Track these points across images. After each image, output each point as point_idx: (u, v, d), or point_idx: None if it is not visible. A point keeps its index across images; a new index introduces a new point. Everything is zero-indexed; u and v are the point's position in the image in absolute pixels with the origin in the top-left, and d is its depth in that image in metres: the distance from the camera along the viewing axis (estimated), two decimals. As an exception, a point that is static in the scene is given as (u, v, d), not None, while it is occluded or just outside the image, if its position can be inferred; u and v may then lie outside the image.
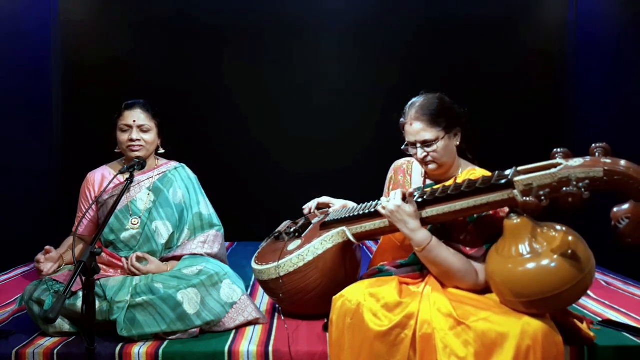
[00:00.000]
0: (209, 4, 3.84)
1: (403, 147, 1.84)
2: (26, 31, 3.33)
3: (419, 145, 1.76)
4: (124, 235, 2.09)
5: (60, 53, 3.71)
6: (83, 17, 3.81)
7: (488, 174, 1.77)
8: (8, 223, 3.06)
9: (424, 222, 1.63)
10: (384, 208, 1.66)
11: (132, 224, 2.10)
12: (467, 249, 1.64)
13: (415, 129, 1.76)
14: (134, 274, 1.98)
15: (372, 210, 1.76)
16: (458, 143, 1.81)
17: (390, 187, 2.03)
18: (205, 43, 3.86)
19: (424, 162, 1.79)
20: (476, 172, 1.78)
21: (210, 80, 3.88)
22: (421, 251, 1.59)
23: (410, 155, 1.86)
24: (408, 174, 2.00)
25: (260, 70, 3.90)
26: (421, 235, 1.59)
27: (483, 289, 1.61)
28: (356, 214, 1.83)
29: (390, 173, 2.06)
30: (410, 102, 1.85)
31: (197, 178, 2.33)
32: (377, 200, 1.80)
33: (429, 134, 1.74)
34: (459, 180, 1.74)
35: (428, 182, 1.91)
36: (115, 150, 2.19)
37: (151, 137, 2.14)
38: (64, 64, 3.74)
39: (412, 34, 3.85)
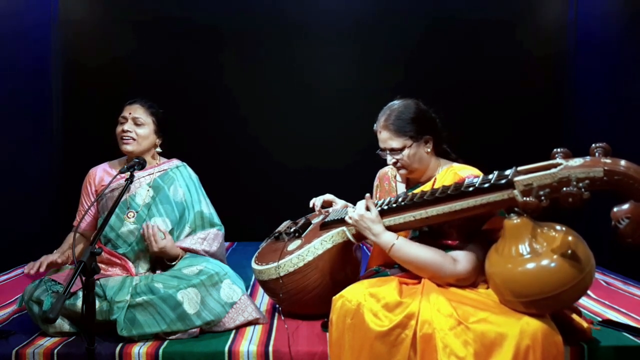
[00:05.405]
0: (209, 4, 3.84)
1: (378, 151, 1.88)
2: (26, 31, 3.33)
3: (387, 152, 1.82)
4: (122, 230, 2.08)
5: (60, 53, 3.72)
6: (83, 17, 3.82)
7: (466, 167, 1.79)
8: (8, 223, 3.06)
9: (425, 222, 1.64)
10: (350, 218, 1.74)
11: (128, 217, 2.10)
12: (449, 241, 1.66)
13: (383, 137, 1.83)
14: (149, 243, 1.98)
15: None
16: (429, 150, 1.82)
17: (377, 195, 2.05)
18: (206, 43, 3.87)
19: (395, 166, 1.85)
20: (454, 169, 1.80)
21: (211, 80, 3.89)
22: (389, 251, 1.65)
23: (386, 160, 1.89)
24: (393, 181, 2.01)
25: (260, 70, 3.91)
26: (385, 238, 1.66)
27: (475, 282, 1.61)
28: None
29: (376, 181, 2.10)
30: (383, 109, 1.87)
31: (198, 177, 2.33)
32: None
33: (395, 142, 1.79)
34: (439, 183, 1.75)
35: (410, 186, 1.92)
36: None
37: (144, 132, 2.14)
38: (64, 64, 3.75)
39: (413, 35, 3.86)
